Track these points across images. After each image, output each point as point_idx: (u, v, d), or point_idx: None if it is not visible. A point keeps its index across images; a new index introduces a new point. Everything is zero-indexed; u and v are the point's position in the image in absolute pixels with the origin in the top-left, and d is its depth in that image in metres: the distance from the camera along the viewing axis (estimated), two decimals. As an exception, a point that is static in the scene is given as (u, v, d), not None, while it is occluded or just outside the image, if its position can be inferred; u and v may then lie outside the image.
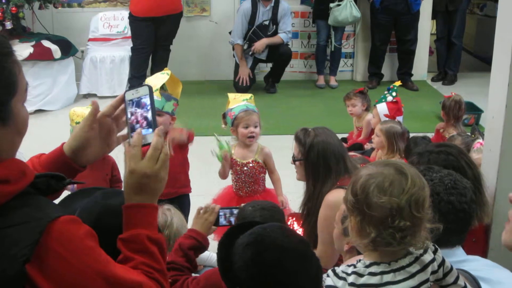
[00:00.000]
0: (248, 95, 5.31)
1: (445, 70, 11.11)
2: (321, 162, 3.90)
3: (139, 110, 2.03)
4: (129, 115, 2.05)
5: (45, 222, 1.70)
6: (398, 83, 7.07)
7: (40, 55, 9.18)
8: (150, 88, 2.08)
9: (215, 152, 5.10)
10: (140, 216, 1.95)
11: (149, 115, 2.01)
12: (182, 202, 5.23)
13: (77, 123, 4.85)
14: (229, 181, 5.37)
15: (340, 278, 1.88)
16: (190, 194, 5.49)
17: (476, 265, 2.55)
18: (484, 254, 3.48)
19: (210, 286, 2.96)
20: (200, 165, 6.45)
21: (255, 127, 5.11)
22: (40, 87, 9.23)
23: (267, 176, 5.32)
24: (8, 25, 9.16)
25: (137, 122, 2.02)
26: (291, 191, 5.31)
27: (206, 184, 6.16)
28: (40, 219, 1.70)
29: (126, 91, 2.15)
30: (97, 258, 1.77)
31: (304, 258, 2.53)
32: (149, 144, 1.97)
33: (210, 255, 4.66)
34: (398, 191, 1.84)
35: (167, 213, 3.81)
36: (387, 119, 6.30)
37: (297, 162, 4.07)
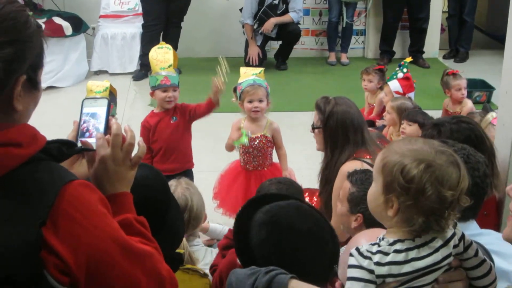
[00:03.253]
0: (258, 69, 5.33)
1: (457, 48, 11.05)
2: (339, 131, 3.90)
3: (92, 120, 2.04)
4: (81, 122, 2.06)
5: (59, 186, 1.71)
6: (409, 59, 7.05)
7: (51, 32, 9.16)
8: (109, 102, 2.09)
9: (240, 141, 5.12)
10: (122, 202, 1.96)
11: (101, 127, 2.02)
12: (186, 177, 5.29)
13: (98, 92, 4.84)
14: (236, 156, 5.41)
15: (365, 257, 1.86)
16: (198, 170, 5.53)
17: (489, 239, 2.56)
18: (495, 227, 3.49)
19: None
20: (207, 142, 6.48)
21: (260, 101, 5.13)
22: (51, 64, 9.22)
23: (274, 151, 5.34)
24: (19, 1, 9.15)
25: (87, 131, 2.04)
26: (303, 167, 5.34)
27: (214, 160, 6.19)
28: (54, 183, 1.71)
29: (85, 98, 2.14)
30: (110, 224, 1.79)
31: (320, 241, 2.53)
32: (93, 150, 1.98)
33: (223, 228, 4.69)
34: (454, 184, 1.82)
35: (187, 194, 3.80)
36: (397, 96, 6.30)
37: (316, 131, 4.07)
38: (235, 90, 5.26)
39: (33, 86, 1.80)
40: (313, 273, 2.27)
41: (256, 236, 2.55)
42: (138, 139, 2.05)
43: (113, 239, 1.77)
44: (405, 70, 6.57)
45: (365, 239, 2.03)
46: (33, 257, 1.66)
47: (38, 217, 1.67)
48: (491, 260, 2.14)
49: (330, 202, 3.90)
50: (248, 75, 5.23)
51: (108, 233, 1.77)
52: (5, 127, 1.71)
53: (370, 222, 2.94)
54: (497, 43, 11.40)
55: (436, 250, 1.87)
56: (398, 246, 1.87)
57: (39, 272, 1.68)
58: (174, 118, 5.27)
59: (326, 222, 2.71)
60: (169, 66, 5.15)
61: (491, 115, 4.96)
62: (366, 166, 3.69)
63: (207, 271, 3.42)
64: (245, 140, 5.06)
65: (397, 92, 6.41)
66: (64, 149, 1.88)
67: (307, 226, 2.54)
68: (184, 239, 3.31)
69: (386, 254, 1.86)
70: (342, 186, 3.69)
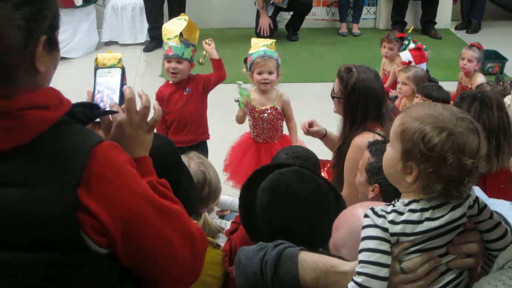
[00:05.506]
0: (269, 41, 5.29)
1: (469, 19, 10.98)
2: (360, 108, 3.86)
3: (106, 90, 2.04)
4: (95, 92, 2.05)
5: (89, 147, 1.72)
6: (410, 29, 7.12)
7: (62, 2, 8.89)
8: (123, 71, 2.08)
9: (238, 99, 5.10)
10: (143, 166, 1.98)
11: (115, 97, 2.02)
12: (201, 149, 5.27)
13: (112, 65, 4.81)
14: (246, 128, 5.40)
15: (379, 216, 1.86)
16: (208, 141, 5.52)
17: (501, 209, 2.53)
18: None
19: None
20: (219, 112, 6.46)
21: (270, 73, 5.10)
22: (62, 34, 8.94)
23: (285, 123, 5.33)
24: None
25: (102, 101, 2.03)
26: (313, 138, 5.31)
27: (225, 131, 6.19)
28: (84, 145, 1.73)
29: (99, 68, 2.13)
30: (141, 184, 1.81)
31: (320, 206, 2.54)
32: (116, 112, 1.99)
33: (234, 200, 4.69)
34: (474, 152, 1.82)
35: (203, 168, 3.77)
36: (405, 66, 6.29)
37: (335, 99, 4.04)
38: (245, 61, 5.23)
39: (52, 46, 1.81)
40: (316, 237, 2.27)
41: (259, 203, 2.62)
42: (154, 103, 2.05)
43: (145, 199, 1.79)
44: (412, 45, 6.55)
45: (362, 209, 2.03)
46: (70, 218, 1.68)
47: (71, 179, 1.68)
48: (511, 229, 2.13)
49: (342, 176, 3.90)
50: (259, 46, 5.20)
51: (140, 192, 1.79)
52: (31, 90, 1.72)
53: (386, 193, 2.94)
54: (509, 14, 11.32)
55: (451, 210, 1.86)
56: (413, 206, 1.86)
57: (76, 233, 1.70)
58: (187, 90, 5.25)
59: (333, 190, 2.73)
60: (175, 37, 5.12)
61: (508, 98, 4.95)
62: (377, 138, 3.68)
63: (220, 242, 3.43)
64: (245, 93, 5.07)
65: (404, 63, 6.37)
66: (88, 111, 1.90)
67: (306, 190, 2.58)
68: (205, 213, 3.32)
69: (401, 213, 1.86)
70: (353, 158, 3.68)
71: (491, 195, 2.88)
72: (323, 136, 4.53)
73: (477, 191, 2.73)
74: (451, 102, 5.58)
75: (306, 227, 2.50)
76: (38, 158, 1.69)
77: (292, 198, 2.57)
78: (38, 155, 1.69)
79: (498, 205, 2.64)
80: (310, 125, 4.51)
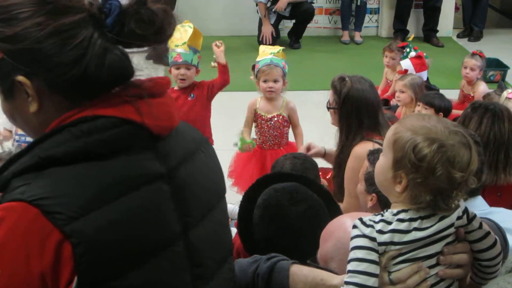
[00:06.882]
0: (277, 48, 5.32)
1: (471, 27, 10.99)
2: (354, 116, 3.88)
3: None
4: None
5: None
6: (411, 37, 7.14)
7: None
8: None
9: (237, 144, 5.17)
10: None
11: None
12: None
13: None
14: (252, 134, 5.42)
15: (367, 226, 1.87)
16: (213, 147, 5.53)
17: (500, 216, 2.54)
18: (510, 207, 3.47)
19: None
20: (223, 119, 6.47)
21: (275, 81, 5.13)
22: (66, 42, 9.18)
23: (290, 129, 5.35)
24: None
25: None
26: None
27: (229, 138, 6.18)
28: None
29: None
30: None
31: (311, 225, 2.57)
32: None
33: (235, 208, 4.70)
34: (464, 165, 1.83)
35: None
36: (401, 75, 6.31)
37: (331, 110, 4.06)
38: (253, 68, 5.26)
39: None
40: (304, 252, 2.30)
41: (254, 217, 2.69)
42: None
43: None
44: (413, 53, 6.55)
45: (349, 220, 2.05)
46: None
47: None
48: (504, 237, 2.15)
49: (343, 185, 3.90)
50: (267, 53, 5.22)
51: None
52: None
53: (384, 203, 2.96)
54: (511, 22, 11.34)
55: (439, 220, 1.88)
56: (401, 216, 1.88)
57: None
58: (192, 96, 5.26)
59: (328, 202, 2.76)
60: (183, 44, 5.15)
61: (506, 91, 4.98)
62: (377, 147, 3.69)
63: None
64: (246, 142, 5.13)
65: (400, 72, 6.39)
66: None
67: (297, 211, 2.63)
68: None
69: (389, 223, 1.87)
70: (353, 167, 3.69)
71: (488, 203, 2.89)
72: (323, 155, 4.54)
73: (479, 200, 2.74)
74: (453, 109, 5.63)
75: (294, 244, 2.54)
76: (184, 128, 2.03)
77: (281, 218, 2.64)
78: (184, 127, 2.02)
79: (495, 213, 2.65)
80: (308, 149, 4.51)
